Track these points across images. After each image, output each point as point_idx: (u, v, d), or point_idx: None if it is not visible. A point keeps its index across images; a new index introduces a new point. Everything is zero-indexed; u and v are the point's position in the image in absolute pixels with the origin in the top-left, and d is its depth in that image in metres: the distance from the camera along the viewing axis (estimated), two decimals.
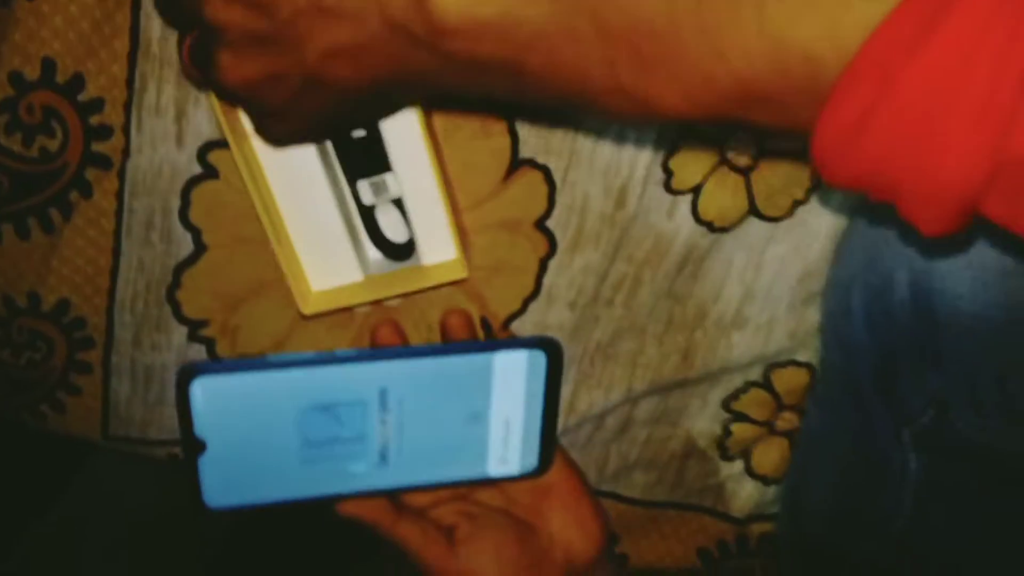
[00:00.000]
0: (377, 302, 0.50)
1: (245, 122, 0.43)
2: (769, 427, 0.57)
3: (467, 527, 0.47)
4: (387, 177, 0.46)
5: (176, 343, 0.52)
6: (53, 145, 0.46)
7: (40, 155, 0.46)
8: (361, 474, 0.44)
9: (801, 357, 0.54)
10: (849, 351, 0.49)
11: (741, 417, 0.56)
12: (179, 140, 0.47)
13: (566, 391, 0.55)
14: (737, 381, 0.55)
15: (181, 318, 0.52)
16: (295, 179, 0.46)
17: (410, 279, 0.48)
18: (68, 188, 0.48)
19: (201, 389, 0.40)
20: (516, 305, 0.52)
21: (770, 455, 0.57)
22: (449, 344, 0.45)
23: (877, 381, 0.47)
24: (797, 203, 0.50)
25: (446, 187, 0.46)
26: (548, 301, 0.51)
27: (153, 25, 0.44)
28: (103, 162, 0.47)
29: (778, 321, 0.53)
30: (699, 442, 0.57)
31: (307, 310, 0.47)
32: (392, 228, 0.47)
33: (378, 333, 0.47)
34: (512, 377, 0.44)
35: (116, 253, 0.50)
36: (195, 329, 0.52)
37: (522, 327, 0.52)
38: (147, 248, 0.50)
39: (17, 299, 0.50)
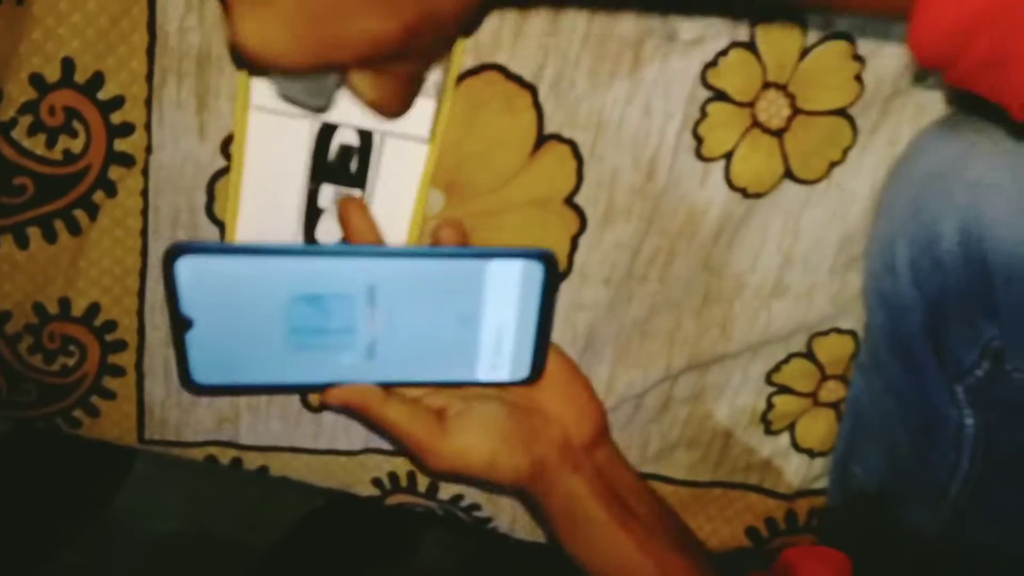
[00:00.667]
0: None
1: (254, 93, 0.44)
2: (813, 398, 0.55)
3: (457, 405, 0.47)
4: (353, 192, 0.47)
5: None
6: (76, 146, 0.46)
7: (64, 157, 0.46)
8: (349, 365, 0.44)
9: (844, 324, 0.53)
10: (895, 310, 0.47)
11: (784, 390, 0.55)
12: (201, 133, 0.47)
13: (604, 372, 0.53)
14: (778, 352, 0.54)
15: None
16: (276, 158, 0.46)
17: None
18: (93, 188, 0.47)
19: (186, 267, 0.40)
20: None
21: (816, 427, 0.56)
22: (443, 248, 0.45)
23: (927, 338, 0.46)
24: (833, 164, 0.48)
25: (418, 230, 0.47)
26: (581, 279, 0.50)
27: (170, 18, 0.44)
28: (127, 160, 0.47)
29: (819, 288, 0.52)
30: (742, 418, 0.56)
31: None
32: (326, 235, 0.48)
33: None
34: (506, 285, 0.44)
35: (144, 253, 0.50)
36: None
37: (557, 306, 0.51)
38: None
39: (48, 305, 0.50)
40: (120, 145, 0.47)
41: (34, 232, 0.48)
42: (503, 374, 0.46)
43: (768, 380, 0.55)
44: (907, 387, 0.49)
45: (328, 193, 0.47)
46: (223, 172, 0.47)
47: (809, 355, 0.54)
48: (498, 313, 0.44)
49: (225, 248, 0.41)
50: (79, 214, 0.48)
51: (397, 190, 0.46)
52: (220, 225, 0.49)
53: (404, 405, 0.46)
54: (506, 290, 0.44)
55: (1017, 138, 0.43)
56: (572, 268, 0.50)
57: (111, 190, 0.48)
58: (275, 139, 0.45)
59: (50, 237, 0.48)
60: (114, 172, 0.47)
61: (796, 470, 0.57)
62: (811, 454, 0.57)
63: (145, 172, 0.47)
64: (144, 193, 0.48)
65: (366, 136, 0.46)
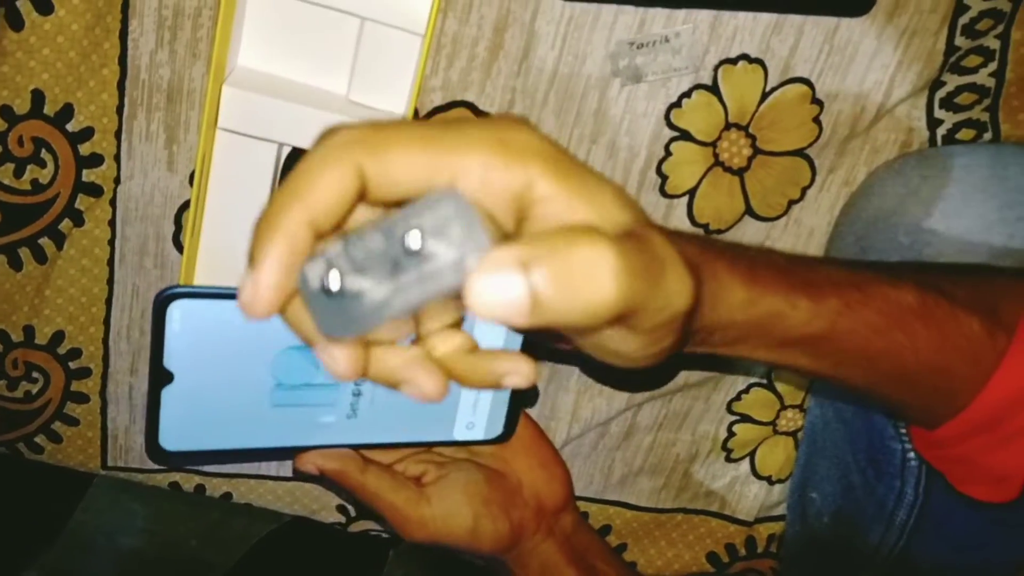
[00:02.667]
0: None
1: (222, 114, 0.43)
2: (773, 427, 0.57)
3: (435, 472, 0.46)
4: None
5: None
6: (44, 176, 0.46)
7: (32, 186, 0.46)
8: (330, 426, 0.42)
9: None
10: None
11: (745, 418, 0.56)
12: (170, 165, 0.47)
13: (569, 400, 0.54)
14: (739, 382, 0.55)
15: None
16: (240, 182, 0.45)
17: None
18: (60, 218, 0.47)
19: (179, 313, 0.37)
20: None
21: (775, 455, 0.57)
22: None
23: None
24: (792, 202, 0.50)
25: None
26: None
27: (141, 52, 0.44)
28: (95, 190, 0.47)
29: None
30: (703, 446, 0.57)
31: None
32: None
33: None
34: (490, 340, 0.43)
35: (110, 281, 0.50)
36: None
37: (523, 336, 0.52)
38: (141, 275, 0.50)
39: (12, 332, 0.50)
40: (89, 175, 0.47)
41: (0, 260, 0.48)
42: (478, 433, 0.46)
43: (729, 409, 0.56)
44: (855, 418, 0.50)
45: None
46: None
47: (769, 385, 0.55)
48: None
49: (222, 292, 0.38)
50: (46, 243, 0.48)
51: None
52: None
53: (383, 473, 0.44)
54: (489, 344, 0.44)
55: (959, 184, 0.45)
56: None
57: (78, 219, 0.48)
58: (241, 161, 0.45)
59: (16, 265, 0.48)
60: (82, 202, 0.47)
61: (756, 497, 0.58)
62: (770, 481, 0.58)
63: (113, 202, 0.48)
64: (112, 223, 0.48)
65: None
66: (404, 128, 0.26)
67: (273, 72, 0.44)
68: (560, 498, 0.49)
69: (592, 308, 0.24)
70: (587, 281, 0.24)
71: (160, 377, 0.38)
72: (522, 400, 0.46)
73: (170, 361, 0.38)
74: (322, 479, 0.45)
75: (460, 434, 0.46)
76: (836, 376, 0.37)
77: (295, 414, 0.41)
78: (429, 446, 0.47)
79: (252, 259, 0.26)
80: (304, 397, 0.41)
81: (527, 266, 0.23)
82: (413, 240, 0.24)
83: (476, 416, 0.46)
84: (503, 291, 0.23)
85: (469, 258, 0.24)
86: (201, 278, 0.47)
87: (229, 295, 0.38)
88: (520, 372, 0.29)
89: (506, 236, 0.27)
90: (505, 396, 0.45)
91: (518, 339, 0.44)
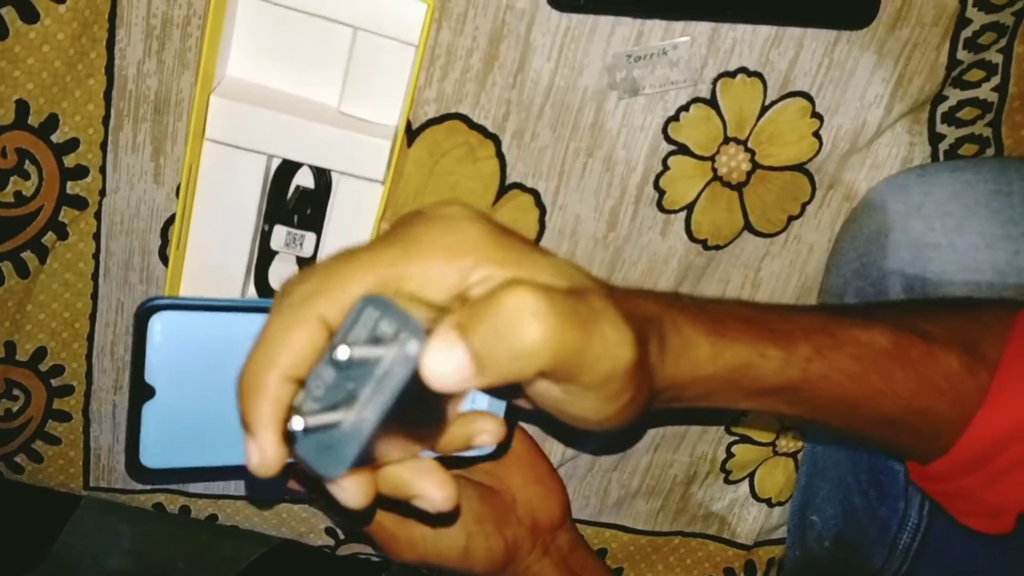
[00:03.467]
0: None
1: (210, 124, 0.42)
2: (772, 448, 0.55)
3: None
4: (307, 235, 0.46)
5: None
6: (28, 188, 0.45)
7: (15, 199, 0.45)
8: None
9: None
10: None
11: (744, 439, 0.55)
12: (157, 177, 0.46)
13: None
14: None
15: None
16: (228, 194, 0.45)
17: None
18: (43, 231, 0.46)
19: (162, 325, 0.36)
20: None
21: (774, 477, 0.56)
22: None
23: None
24: (791, 218, 0.49)
25: None
26: None
27: (128, 63, 0.43)
28: (79, 203, 0.46)
29: None
30: (702, 467, 0.56)
31: None
32: (278, 278, 0.47)
33: None
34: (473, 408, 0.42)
35: (94, 296, 0.48)
36: None
37: None
38: (126, 289, 0.48)
39: None
40: (73, 188, 0.46)
41: None
42: (471, 449, 0.45)
43: (728, 430, 0.55)
44: None
45: (281, 235, 0.46)
46: None
47: None
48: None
49: (205, 304, 0.37)
50: (28, 257, 0.47)
51: (351, 232, 0.46)
52: None
53: None
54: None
55: (961, 199, 0.44)
56: None
57: (62, 233, 0.46)
58: (229, 174, 0.44)
59: None
60: (66, 215, 0.46)
61: (755, 520, 0.57)
62: (770, 503, 0.57)
63: (98, 215, 0.46)
64: (96, 236, 0.47)
65: (323, 177, 0.45)
66: (352, 262, 0.29)
67: (263, 83, 0.44)
68: (556, 515, 0.48)
69: (525, 352, 0.26)
70: (514, 326, 0.26)
71: (141, 392, 0.37)
72: (515, 413, 0.45)
73: (152, 375, 0.37)
74: (311, 499, 0.43)
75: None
76: (817, 420, 0.37)
77: None
78: None
79: (246, 425, 0.29)
80: None
81: (463, 329, 0.26)
82: (341, 353, 0.27)
83: None
84: (448, 360, 0.25)
85: (409, 345, 0.26)
86: (187, 291, 0.46)
87: (213, 307, 0.37)
88: (488, 431, 0.34)
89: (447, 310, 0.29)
90: (501, 410, 0.44)
91: (502, 403, 0.43)
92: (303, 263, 0.47)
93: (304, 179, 0.45)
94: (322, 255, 0.46)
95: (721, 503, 0.57)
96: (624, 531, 0.57)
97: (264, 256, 0.46)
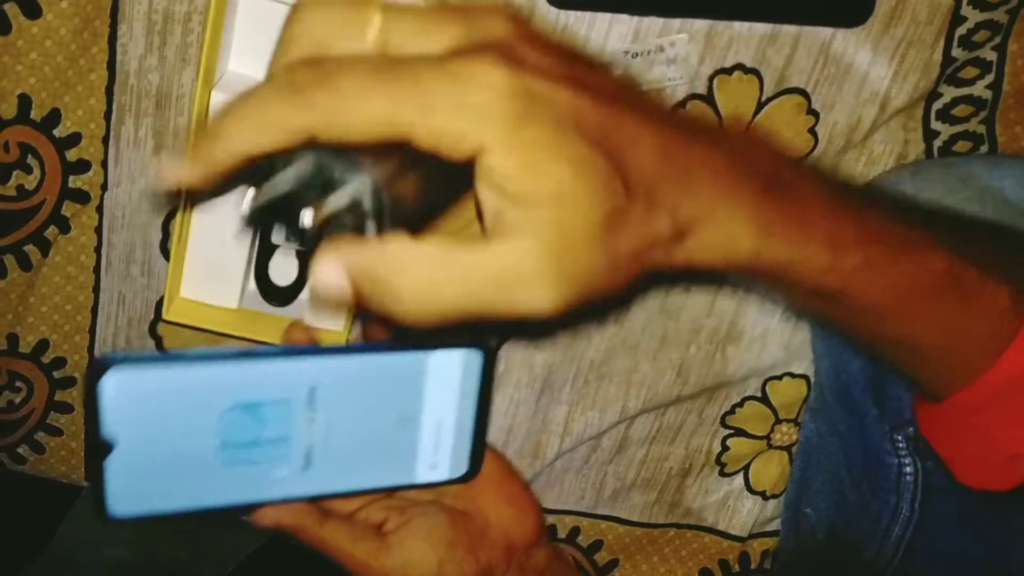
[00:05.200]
0: (248, 341, 0.48)
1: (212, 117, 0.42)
2: (767, 441, 0.56)
3: (396, 519, 0.44)
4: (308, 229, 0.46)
5: None
6: (30, 182, 0.45)
7: (17, 192, 0.45)
8: (283, 479, 0.41)
9: (797, 369, 0.54)
10: (838, 357, 0.48)
11: (738, 432, 0.55)
12: (159, 172, 0.46)
13: (561, 413, 0.54)
14: (733, 396, 0.54)
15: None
16: (228, 196, 0.45)
17: (282, 331, 0.47)
18: (46, 224, 0.47)
19: (115, 383, 0.36)
20: None
21: (769, 470, 0.57)
22: (382, 342, 0.42)
23: (867, 385, 0.47)
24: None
25: None
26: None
27: (130, 57, 0.44)
28: (81, 197, 0.46)
29: (772, 334, 0.52)
30: (697, 459, 0.56)
31: (168, 316, 0.46)
32: (279, 271, 0.47)
33: (289, 332, 0.44)
34: (446, 378, 0.42)
35: (96, 289, 0.49)
36: None
37: (514, 348, 0.51)
38: (128, 283, 0.49)
39: None
40: (75, 182, 0.46)
41: None
42: (442, 473, 0.44)
43: (723, 422, 0.55)
44: (850, 431, 0.50)
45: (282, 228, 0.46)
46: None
47: (763, 398, 0.55)
48: (437, 408, 0.42)
49: (156, 358, 0.37)
50: (31, 250, 0.47)
51: None
52: None
53: (342, 524, 0.43)
54: (446, 383, 0.42)
55: (955, 196, 0.44)
56: None
57: (64, 226, 0.47)
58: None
59: (0, 273, 0.47)
60: (68, 208, 0.47)
61: (750, 512, 0.58)
62: (764, 496, 0.57)
63: (100, 209, 0.47)
64: (98, 230, 0.47)
65: None
66: (361, 89, 0.26)
67: (263, 77, 0.44)
68: (530, 534, 0.47)
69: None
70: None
71: (100, 447, 0.37)
72: (485, 433, 0.44)
73: (109, 430, 0.37)
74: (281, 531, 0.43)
75: (423, 476, 0.44)
76: (846, 324, 0.36)
77: (246, 471, 0.40)
78: (392, 490, 0.45)
79: (191, 158, 0.28)
80: (254, 454, 0.40)
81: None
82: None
83: (438, 456, 0.43)
84: None
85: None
86: (188, 286, 0.47)
87: (166, 360, 0.37)
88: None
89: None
90: (468, 433, 0.44)
91: (470, 429, 0.44)
92: (303, 256, 0.47)
93: None
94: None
95: (716, 496, 0.57)
96: (620, 523, 0.57)
97: (265, 250, 0.47)
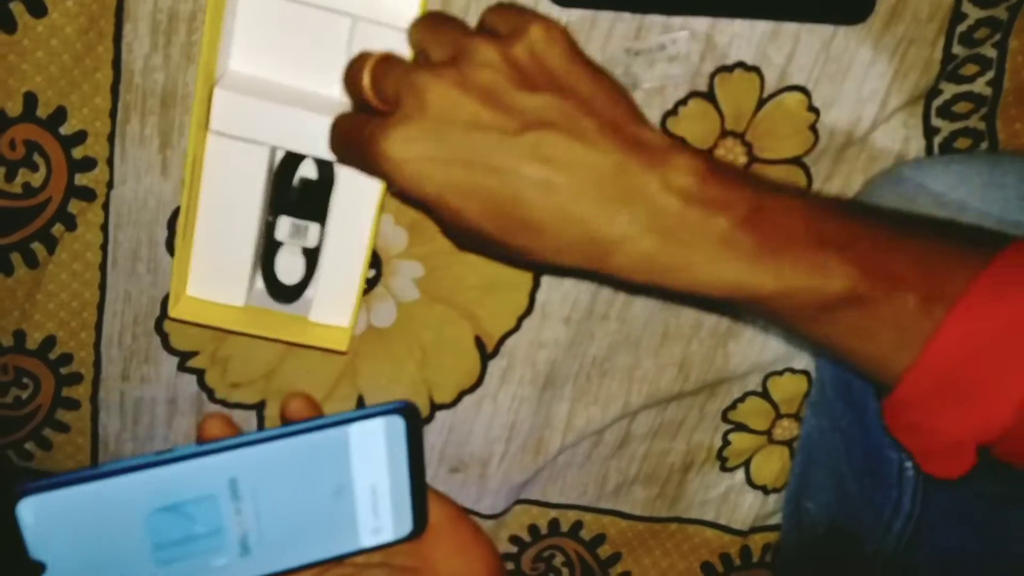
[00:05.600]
0: (255, 338, 0.49)
1: (213, 116, 0.43)
2: (768, 436, 0.56)
3: None
4: (311, 226, 0.46)
5: (165, 375, 0.52)
6: (36, 179, 0.46)
7: (23, 190, 0.46)
8: (224, 567, 0.41)
9: (798, 364, 0.54)
10: None
11: (740, 427, 0.56)
12: (164, 170, 0.47)
13: (563, 409, 0.54)
14: (735, 391, 0.55)
15: (170, 349, 0.51)
16: (232, 187, 0.45)
17: (290, 327, 0.48)
18: (52, 222, 0.47)
19: (30, 509, 0.37)
20: (511, 323, 0.51)
21: (770, 465, 0.57)
22: (299, 424, 0.42)
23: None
24: None
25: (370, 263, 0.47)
26: (542, 317, 0.51)
27: (135, 56, 0.44)
28: (87, 194, 0.47)
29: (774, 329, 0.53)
30: (698, 454, 0.57)
31: (173, 312, 0.46)
32: (285, 269, 0.47)
33: (205, 426, 0.44)
34: (371, 446, 0.42)
35: (102, 286, 0.49)
36: (185, 360, 0.51)
37: (517, 344, 0.52)
38: (134, 280, 0.49)
39: (2, 337, 0.49)
40: (81, 179, 0.46)
41: None
42: (387, 535, 0.44)
43: (724, 418, 0.56)
44: (851, 426, 0.50)
45: (286, 225, 0.47)
46: None
47: (764, 394, 0.55)
48: (369, 474, 0.43)
49: (69, 479, 0.37)
50: (37, 247, 0.47)
51: (354, 222, 0.46)
52: None
53: None
54: (372, 450, 0.42)
55: (956, 192, 0.44)
56: (534, 306, 0.51)
57: (71, 224, 0.47)
58: (233, 166, 0.45)
59: (7, 270, 0.48)
60: (74, 206, 0.47)
61: (751, 506, 0.58)
62: (765, 490, 0.58)
63: (106, 207, 0.47)
64: (104, 227, 0.48)
65: (326, 169, 0.46)
66: None
67: (265, 75, 0.44)
68: None
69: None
70: None
71: (30, 570, 0.37)
72: (424, 489, 0.44)
73: (36, 553, 0.37)
74: None
75: (367, 540, 0.44)
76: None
77: (184, 566, 0.40)
78: (339, 559, 0.45)
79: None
80: (188, 549, 0.40)
81: None
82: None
83: (379, 520, 0.44)
84: None
85: None
86: (194, 283, 0.47)
87: (80, 479, 0.38)
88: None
89: None
90: (406, 493, 0.44)
91: (407, 487, 0.44)
92: (308, 253, 0.48)
93: (307, 170, 0.46)
94: (326, 245, 0.47)
95: (717, 490, 0.58)
96: (622, 517, 0.58)
97: (270, 246, 0.47)
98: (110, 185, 0.47)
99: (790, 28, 0.45)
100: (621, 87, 0.37)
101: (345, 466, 0.42)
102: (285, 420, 0.44)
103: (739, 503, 0.58)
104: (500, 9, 0.39)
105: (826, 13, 0.45)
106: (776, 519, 0.59)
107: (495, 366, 0.52)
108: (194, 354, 0.51)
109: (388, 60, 0.38)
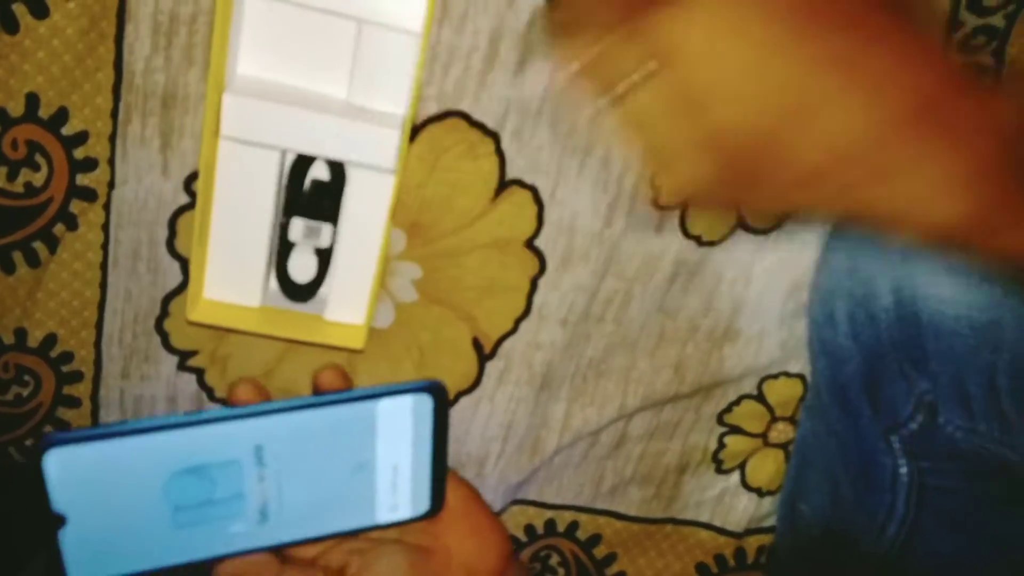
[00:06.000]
0: (272, 339, 0.49)
1: (224, 122, 0.43)
2: (763, 439, 0.57)
3: (357, 563, 0.44)
4: (324, 226, 0.47)
5: (165, 374, 0.52)
6: (38, 179, 0.46)
7: (25, 190, 0.46)
8: (241, 534, 0.41)
9: (793, 368, 0.55)
10: (834, 358, 0.49)
11: (735, 430, 0.56)
12: (164, 170, 0.47)
13: (560, 410, 0.54)
14: (730, 394, 0.55)
15: (170, 348, 0.51)
16: (244, 190, 0.46)
17: (306, 326, 0.48)
18: (53, 221, 0.47)
19: (56, 460, 0.37)
20: (508, 325, 0.51)
21: (765, 467, 0.58)
22: (328, 395, 0.42)
23: (863, 387, 0.48)
24: (784, 215, 0.50)
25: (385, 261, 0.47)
26: (539, 319, 0.51)
27: (136, 57, 0.44)
28: (88, 194, 0.47)
29: (769, 333, 0.53)
30: (694, 456, 0.57)
31: (192, 316, 0.47)
32: (298, 268, 0.48)
33: (235, 390, 0.43)
34: (398, 423, 0.42)
35: (103, 285, 0.50)
36: (184, 359, 0.52)
37: (514, 346, 0.52)
38: (134, 279, 0.50)
39: (3, 335, 0.50)
40: (82, 179, 0.47)
41: None
42: (404, 513, 0.44)
43: (720, 420, 0.56)
44: (846, 431, 0.50)
45: (299, 227, 0.47)
46: (185, 208, 0.48)
47: (759, 397, 0.55)
48: (392, 452, 0.43)
49: (97, 434, 0.37)
50: (39, 246, 0.48)
51: (364, 223, 0.47)
52: (181, 260, 0.49)
53: (302, 573, 0.43)
54: (398, 428, 0.42)
55: None
56: (531, 309, 0.51)
57: (72, 223, 0.48)
58: (245, 170, 0.45)
59: (8, 268, 0.48)
60: (75, 206, 0.47)
61: (745, 508, 0.58)
62: (760, 493, 0.58)
63: (107, 206, 0.48)
64: (105, 227, 0.48)
65: (337, 170, 0.46)
66: None
67: (273, 78, 0.45)
68: (495, 565, 0.47)
69: None
70: None
71: (53, 522, 0.38)
72: (444, 471, 0.45)
73: (59, 505, 0.37)
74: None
75: (383, 517, 0.44)
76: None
77: (202, 530, 0.40)
78: (355, 533, 0.45)
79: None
80: (208, 513, 0.40)
81: None
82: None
83: (397, 497, 0.44)
84: None
85: None
86: (211, 287, 0.48)
87: (107, 435, 0.38)
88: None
89: None
90: (426, 473, 0.44)
91: (427, 466, 0.44)
92: (321, 253, 0.48)
93: (319, 171, 0.46)
94: (339, 245, 0.47)
95: (712, 492, 0.58)
96: (617, 518, 0.58)
97: (283, 248, 0.48)
98: (111, 185, 0.47)
99: None
100: None
101: (370, 442, 0.42)
102: (316, 391, 0.44)
103: (734, 505, 0.58)
104: None
105: None
106: (771, 521, 0.59)
107: (492, 367, 0.53)
108: (194, 353, 0.52)
109: None
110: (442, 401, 0.43)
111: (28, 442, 0.53)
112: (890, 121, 0.27)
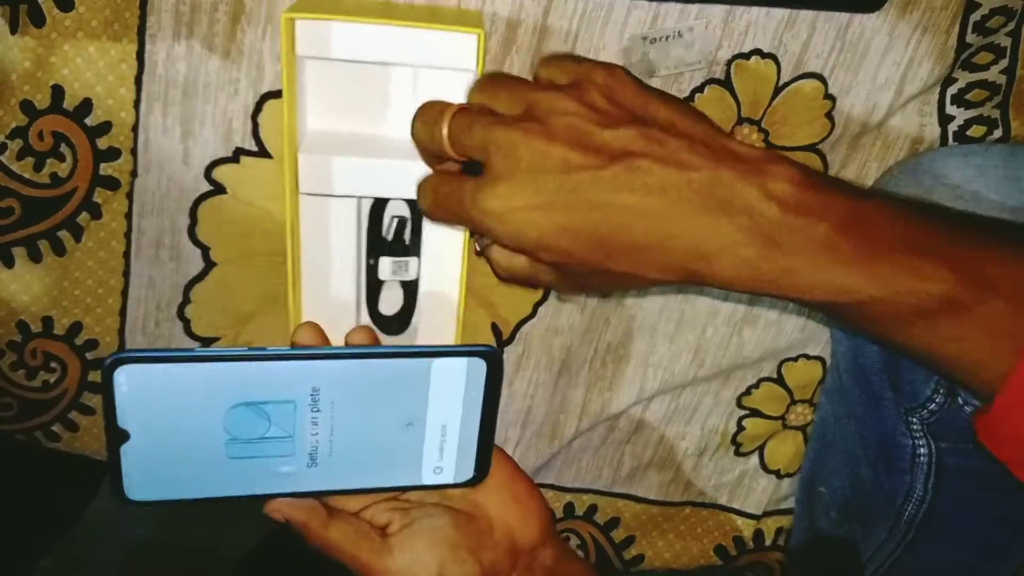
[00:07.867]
0: None
1: (301, 180, 0.45)
2: (782, 422, 0.57)
3: (400, 521, 0.45)
4: (410, 261, 0.49)
5: None
6: (63, 169, 0.47)
7: (51, 180, 0.47)
8: (289, 475, 0.42)
9: (812, 351, 0.55)
10: (856, 341, 0.49)
11: (754, 413, 0.56)
12: (186, 159, 0.47)
13: (579, 395, 0.55)
14: (749, 377, 0.55)
15: (192, 335, 0.52)
16: (329, 238, 0.48)
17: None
18: (78, 211, 0.48)
19: (126, 377, 0.38)
20: (527, 310, 0.52)
21: (784, 450, 0.58)
22: (389, 348, 0.43)
23: (884, 369, 0.48)
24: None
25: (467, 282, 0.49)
26: (558, 304, 0.52)
27: (159, 47, 0.45)
28: (112, 184, 0.48)
29: (788, 316, 0.53)
30: (712, 439, 0.57)
31: None
32: (387, 302, 0.50)
33: (297, 333, 0.44)
34: (451, 384, 0.42)
35: (126, 273, 0.50)
36: (206, 345, 0.52)
37: (533, 331, 0.52)
38: (157, 267, 0.50)
39: (31, 323, 0.51)
40: (106, 169, 0.47)
41: (20, 252, 0.48)
42: (447, 477, 0.45)
43: (738, 403, 0.56)
44: (866, 414, 0.50)
45: (387, 265, 0.49)
46: (206, 196, 0.48)
47: (779, 380, 0.56)
48: (442, 412, 0.43)
49: (166, 356, 0.39)
50: (64, 235, 0.48)
51: (447, 250, 0.48)
52: (202, 247, 0.49)
53: (347, 525, 0.44)
54: (450, 390, 0.42)
55: (972, 185, 0.45)
56: (549, 293, 0.52)
57: (96, 212, 0.48)
58: (327, 220, 0.47)
59: (36, 257, 0.49)
60: (99, 195, 0.48)
61: (764, 490, 0.59)
62: (779, 475, 0.58)
63: (130, 195, 0.48)
64: (128, 216, 0.49)
65: (414, 205, 0.48)
66: None
67: (341, 130, 0.46)
68: (536, 535, 0.47)
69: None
70: None
71: (117, 435, 0.39)
72: (491, 439, 0.45)
73: (123, 421, 0.38)
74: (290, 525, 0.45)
75: (428, 478, 0.44)
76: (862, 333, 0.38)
77: (253, 465, 0.41)
78: (398, 491, 0.45)
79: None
80: (260, 450, 0.41)
81: None
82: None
83: (443, 461, 0.44)
84: None
85: None
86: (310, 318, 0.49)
87: (175, 358, 0.39)
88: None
89: None
90: (473, 439, 0.44)
91: (474, 435, 0.44)
92: (408, 286, 0.50)
93: (397, 208, 0.48)
94: (423, 276, 0.49)
95: (731, 474, 0.58)
96: (636, 501, 0.58)
97: (373, 286, 0.50)
98: (134, 174, 0.48)
99: (806, 16, 0.46)
100: (697, 109, 0.38)
101: (422, 399, 0.42)
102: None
103: (753, 487, 0.59)
104: (554, 61, 0.39)
105: (841, 1, 0.45)
106: (789, 503, 0.59)
107: (511, 352, 0.53)
108: (215, 340, 0.52)
109: (465, 115, 0.38)
110: (497, 368, 0.43)
111: (55, 427, 0.54)
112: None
